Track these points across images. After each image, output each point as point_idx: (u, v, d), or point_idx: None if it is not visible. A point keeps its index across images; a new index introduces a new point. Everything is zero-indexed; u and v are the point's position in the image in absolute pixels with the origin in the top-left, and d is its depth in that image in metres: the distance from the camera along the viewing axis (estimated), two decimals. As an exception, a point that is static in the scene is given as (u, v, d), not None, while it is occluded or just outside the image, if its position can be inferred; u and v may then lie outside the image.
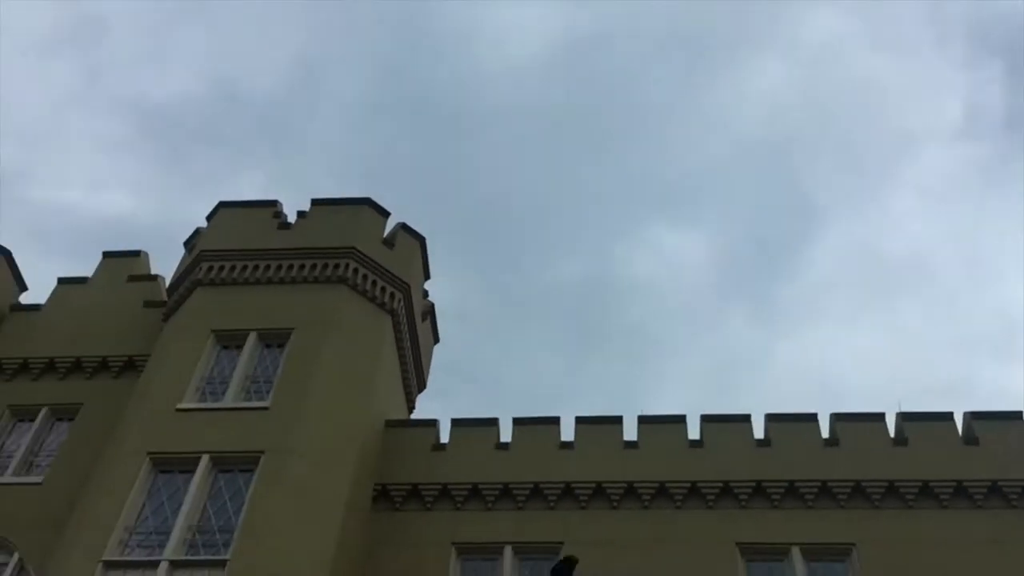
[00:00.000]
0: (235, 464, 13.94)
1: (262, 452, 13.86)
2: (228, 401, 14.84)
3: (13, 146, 54.31)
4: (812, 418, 16.44)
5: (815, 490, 15.43)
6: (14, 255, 19.26)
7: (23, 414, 16.92)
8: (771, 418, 16.50)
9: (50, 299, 18.83)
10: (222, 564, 12.60)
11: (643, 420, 16.71)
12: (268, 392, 15.01)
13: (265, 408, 14.57)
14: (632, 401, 53.77)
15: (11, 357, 17.53)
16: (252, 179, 55.84)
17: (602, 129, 57.04)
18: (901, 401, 17.80)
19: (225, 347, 15.92)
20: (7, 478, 15.66)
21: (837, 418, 16.36)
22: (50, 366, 17.44)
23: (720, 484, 15.64)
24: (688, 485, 15.67)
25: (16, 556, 14.38)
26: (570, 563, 13.04)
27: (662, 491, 15.70)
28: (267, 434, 14.12)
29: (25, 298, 19.32)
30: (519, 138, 56.63)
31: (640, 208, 56.19)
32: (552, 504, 15.66)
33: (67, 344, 17.63)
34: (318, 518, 13.54)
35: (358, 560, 14.54)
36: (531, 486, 15.79)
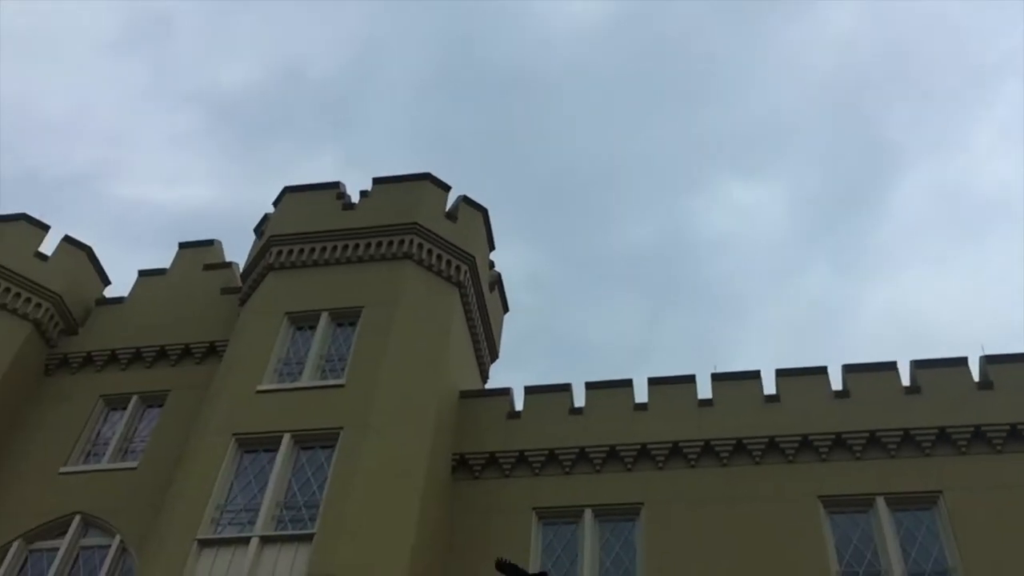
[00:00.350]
0: (316, 441, 14.32)
1: (340, 428, 14.19)
2: (305, 380, 15.21)
3: (93, 145, 56.20)
4: (891, 367, 16.10)
5: (898, 439, 15.13)
6: (99, 251, 20.02)
7: (115, 403, 17.65)
8: (849, 369, 16.21)
9: (132, 291, 19.52)
10: (309, 538, 12.98)
11: (717, 377, 16.60)
12: (343, 370, 15.34)
13: (341, 385, 14.90)
14: (714, 358, 53.22)
15: (100, 349, 18.26)
16: (322, 161, 56.75)
17: (668, 86, 56.22)
18: (985, 344, 17.21)
19: (299, 328, 16.32)
20: (104, 465, 16.38)
21: (918, 365, 15.98)
22: (137, 356, 18.12)
23: (799, 438, 15.45)
24: (766, 440, 15.53)
25: (117, 538, 15.07)
26: None
27: (740, 448, 15.59)
28: (344, 411, 14.45)
29: (109, 292, 20.09)
30: (584, 101, 56.15)
31: (712, 163, 55.32)
32: (629, 466, 15.71)
33: (151, 334, 18.29)
34: (399, 489, 13.83)
35: (440, 528, 14.83)
36: (607, 449, 15.85)
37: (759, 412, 15.93)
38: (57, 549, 15.20)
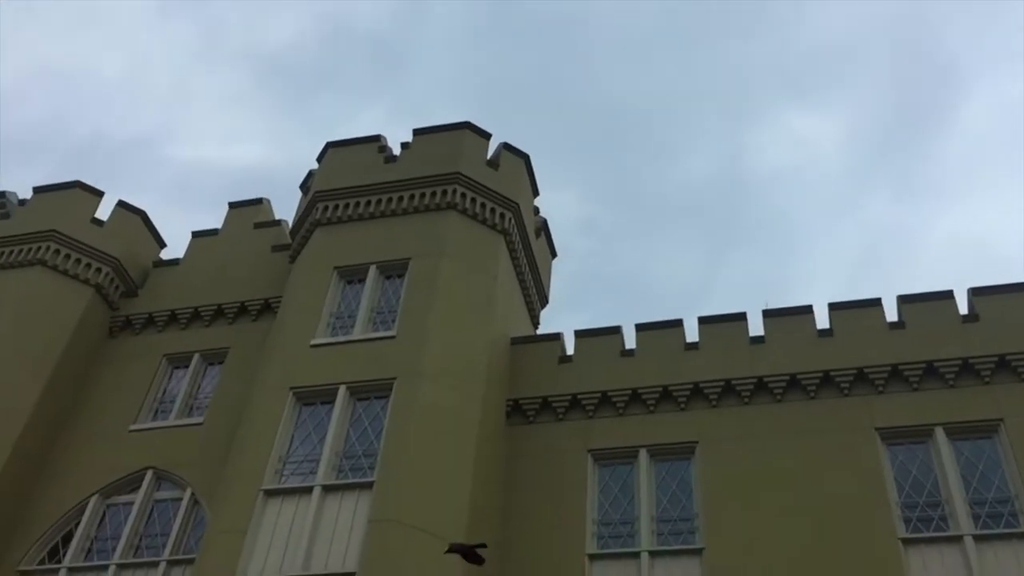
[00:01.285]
0: (370, 392, 14.60)
1: (394, 379, 14.44)
2: (357, 333, 15.47)
3: (149, 108, 56.98)
4: (948, 295, 15.80)
5: (956, 368, 14.90)
6: (160, 212, 20.49)
7: (178, 362, 18.18)
8: (904, 299, 15.95)
9: (187, 253, 19.95)
10: (369, 486, 13.32)
11: (769, 314, 16.47)
12: (393, 322, 15.55)
13: (392, 337, 15.12)
14: (775, 295, 52.64)
15: (160, 310, 18.76)
16: (372, 114, 56.82)
17: (721, 15, 54.86)
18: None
19: (349, 282, 16.55)
20: (171, 421, 16.93)
21: (976, 293, 15.66)
22: (195, 315, 18.58)
23: (854, 371, 15.31)
24: (820, 375, 15.41)
25: (188, 491, 15.62)
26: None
27: (794, 383, 15.51)
28: (396, 361, 14.69)
29: (165, 254, 20.56)
30: (635, 37, 55.16)
31: (769, 94, 54.13)
32: (683, 405, 15.74)
33: (208, 293, 18.72)
34: (454, 435, 14.08)
35: (497, 472, 15.09)
36: (660, 389, 15.90)
37: (812, 347, 15.80)
38: (132, 503, 15.83)
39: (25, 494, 16.00)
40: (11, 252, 18.67)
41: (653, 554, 14.13)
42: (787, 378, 15.51)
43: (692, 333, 16.65)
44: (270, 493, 13.59)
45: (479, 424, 14.48)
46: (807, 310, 16.29)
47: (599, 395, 16.08)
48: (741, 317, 16.50)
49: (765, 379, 15.58)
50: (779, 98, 54.17)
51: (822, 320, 16.16)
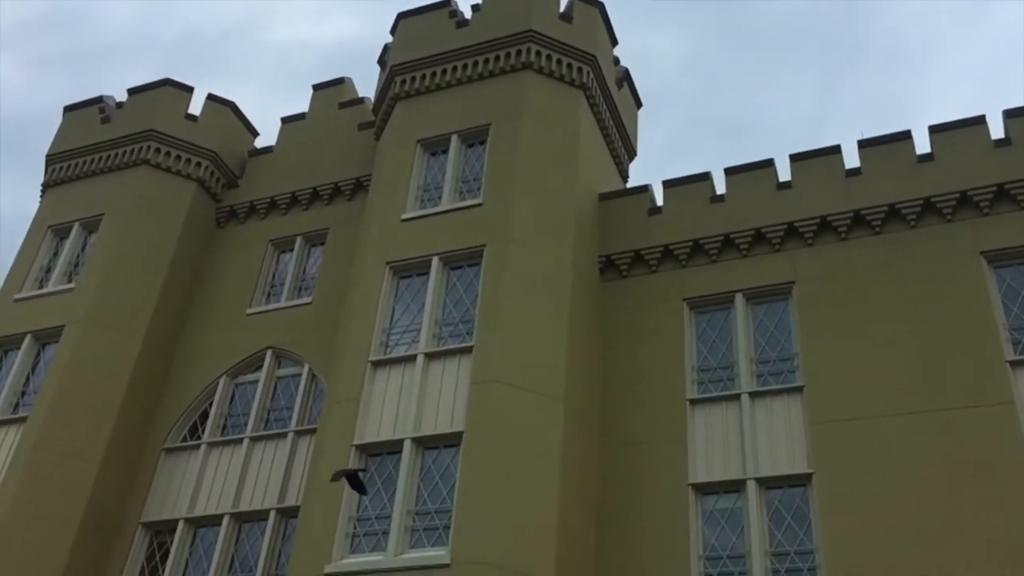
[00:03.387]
0: (462, 260, 14.96)
1: (483, 245, 14.73)
2: (444, 204, 15.72)
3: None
4: (1059, 107, 14.81)
5: (1068, 183, 14.14)
6: (262, 99, 20.95)
7: (283, 246, 18.96)
8: (1010, 114, 15.06)
9: (279, 139, 20.42)
10: (469, 350, 13.85)
11: (864, 144, 15.84)
12: (479, 189, 15.71)
13: (479, 204, 15.32)
14: (896, 121, 49.95)
15: (260, 198, 19.45)
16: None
17: None
18: None
19: (432, 154, 16.71)
20: (283, 303, 17.82)
21: (1090, 100, 14.62)
22: (294, 200, 19.20)
23: (957, 194, 14.72)
24: (921, 202, 14.89)
25: (306, 366, 16.60)
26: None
27: (893, 213, 15.05)
28: (484, 228, 14.93)
29: (259, 142, 21.12)
30: None
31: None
32: (777, 247, 15.53)
33: (302, 177, 19.25)
34: (547, 295, 14.38)
35: (593, 328, 15.40)
36: (753, 232, 15.69)
37: (912, 174, 15.20)
38: (257, 381, 16.96)
39: (160, 380, 17.33)
40: (116, 155, 19.53)
41: (754, 395, 14.33)
42: (886, 209, 15.05)
43: (784, 172, 16.24)
44: (377, 364, 14.31)
45: (571, 282, 14.70)
46: (905, 135, 15.60)
47: (691, 243, 16.01)
48: (835, 150, 15.95)
49: (862, 212, 15.16)
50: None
51: (922, 144, 15.48)
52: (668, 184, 16.79)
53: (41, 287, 18.30)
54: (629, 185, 18.99)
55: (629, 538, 13.56)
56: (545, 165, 15.69)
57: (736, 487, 13.66)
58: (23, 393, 16.89)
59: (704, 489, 13.80)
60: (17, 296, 18.18)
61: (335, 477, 12.13)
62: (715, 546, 13.32)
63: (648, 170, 61.17)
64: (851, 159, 15.84)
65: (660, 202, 16.81)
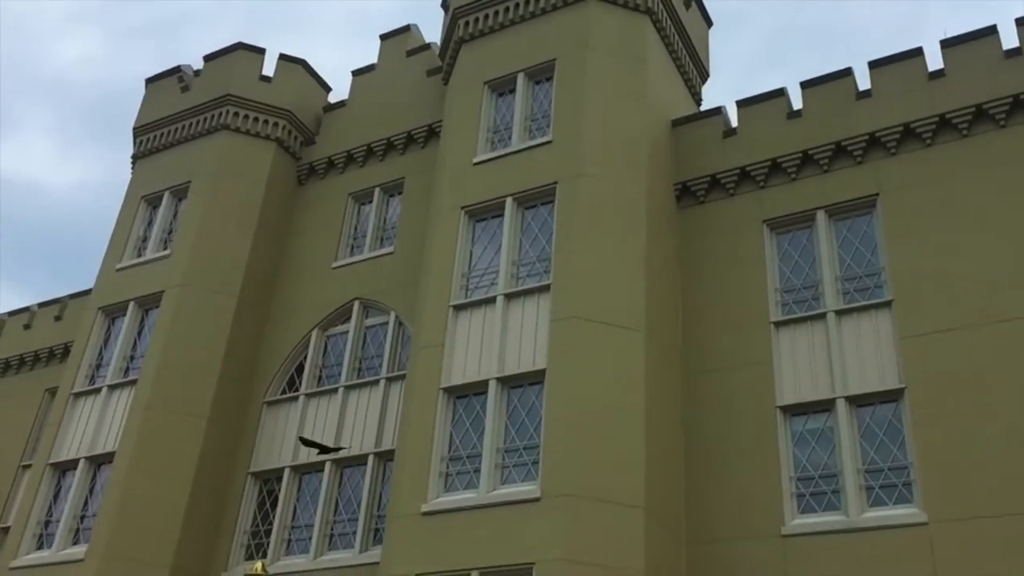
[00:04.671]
0: (535, 199, 14.99)
1: (555, 183, 14.70)
2: (515, 144, 15.71)
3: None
4: None
5: None
6: (333, 54, 21.19)
7: (362, 198, 19.30)
8: (1107, -2, 14.10)
9: (351, 92, 20.66)
10: (547, 288, 13.95)
11: (947, 44, 15.10)
12: (548, 126, 15.63)
13: (548, 142, 15.25)
14: (986, 14, 46.98)
15: (337, 152, 19.80)
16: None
17: None
18: None
19: (500, 94, 16.66)
20: (366, 255, 18.21)
21: None
22: (369, 152, 19.47)
23: (1050, 90, 13.95)
24: (1010, 100, 14.18)
25: (392, 314, 17.01)
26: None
27: (980, 114, 14.37)
28: (555, 165, 14.89)
29: (332, 97, 21.39)
30: None
31: None
32: (859, 159, 15.04)
33: (376, 129, 19.47)
34: (622, 228, 14.31)
35: (671, 258, 15.29)
36: (833, 146, 15.22)
37: (999, 71, 14.44)
38: (347, 332, 17.48)
39: (256, 337, 18.03)
40: (197, 122, 20.11)
41: (840, 313, 14.06)
42: (972, 110, 14.38)
43: (864, 80, 15.65)
44: (459, 308, 14.56)
45: (646, 213, 14.58)
46: (990, 31, 14.80)
47: (769, 163, 15.64)
48: (916, 53, 15.26)
49: (948, 115, 14.52)
50: None
51: (1009, 39, 14.65)
52: (742, 104, 16.37)
53: (140, 255, 19.15)
54: (704, 107, 18.59)
55: (718, 463, 13.61)
56: (613, 96, 15.48)
57: (826, 407, 13.51)
58: (132, 357, 17.83)
59: (792, 411, 13.69)
60: (119, 266, 19.08)
61: (308, 443, 13.78)
62: (806, 466, 13.26)
63: (732, 87, 59.47)
64: (934, 61, 15.15)
65: (735, 123, 16.43)
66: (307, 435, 16.35)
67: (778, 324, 14.41)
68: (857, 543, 12.25)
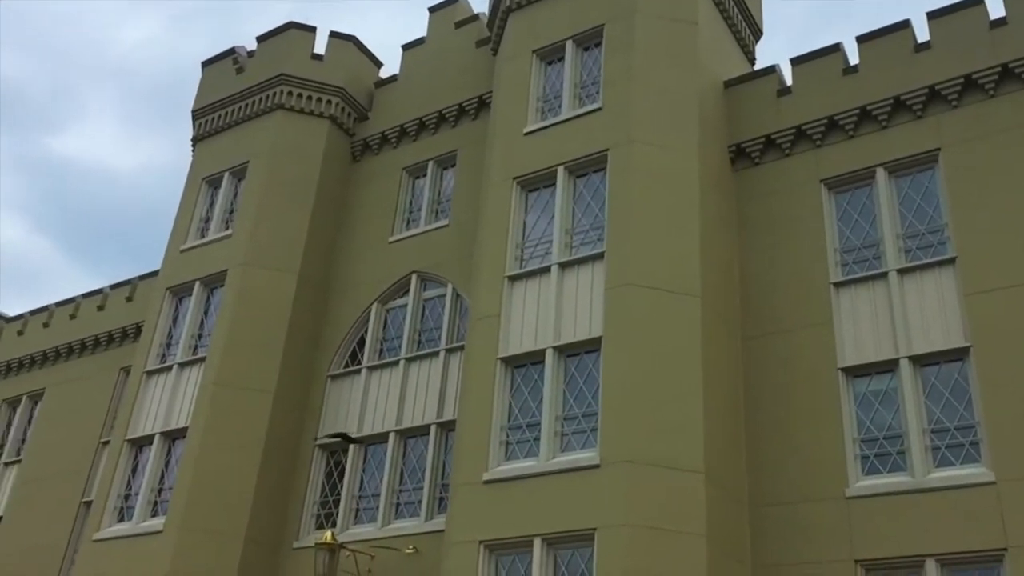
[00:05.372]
0: (587, 167, 14.95)
1: (607, 150, 14.64)
2: (565, 112, 15.65)
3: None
4: None
5: None
6: (385, 27, 21.29)
7: (416, 172, 19.45)
8: None
9: (401, 67, 20.75)
10: (601, 256, 13.96)
11: (1009, -10, 14.58)
12: (598, 93, 15.53)
13: (599, 109, 15.17)
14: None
15: (390, 127, 19.95)
16: None
17: None
18: None
19: (548, 63, 16.58)
20: (422, 228, 18.39)
21: None
22: (422, 125, 19.58)
23: (1121, 33, 13.40)
24: (1078, 46, 13.67)
25: (449, 286, 17.19)
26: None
27: (1046, 62, 13.90)
28: (607, 131, 14.81)
29: (383, 72, 21.51)
30: None
31: None
32: (919, 113, 14.67)
33: (427, 102, 19.57)
34: (675, 192, 14.21)
35: (727, 220, 15.14)
36: (891, 101, 14.86)
37: (1066, 16, 13.92)
38: (406, 305, 17.72)
39: (318, 313, 18.39)
40: (252, 103, 20.43)
41: (902, 271, 13.81)
42: (1037, 58, 13.90)
43: (922, 33, 15.23)
44: (514, 278, 14.65)
45: (699, 176, 14.45)
46: (1056, -26, 14.25)
47: (825, 121, 15.35)
48: (977, 2, 14.77)
49: (1011, 65, 14.06)
50: None
51: (1077, -18, 14.09)
52: (796, 61, 16.05)
53: (203, 236, 19.61)
54: (758, 67, 18.25)
55: (779, 427, 13.54)
56: (663, 60, 15.31)
57: (889, 367, 13.32)
58: (199, 336, 18.34)
59: (855, 372, 13.53)
60: (183, 247, 19.57)
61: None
62: (870, 427, 13.12)
63: (787, 46, 58.17)
64: (995, 9, 14.65)
65: (789, 82, 16.14)
66: (371, 407, 16.70)
67: (838, 285, 14.21)
68: (923, 504, 12.13)
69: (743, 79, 16.54)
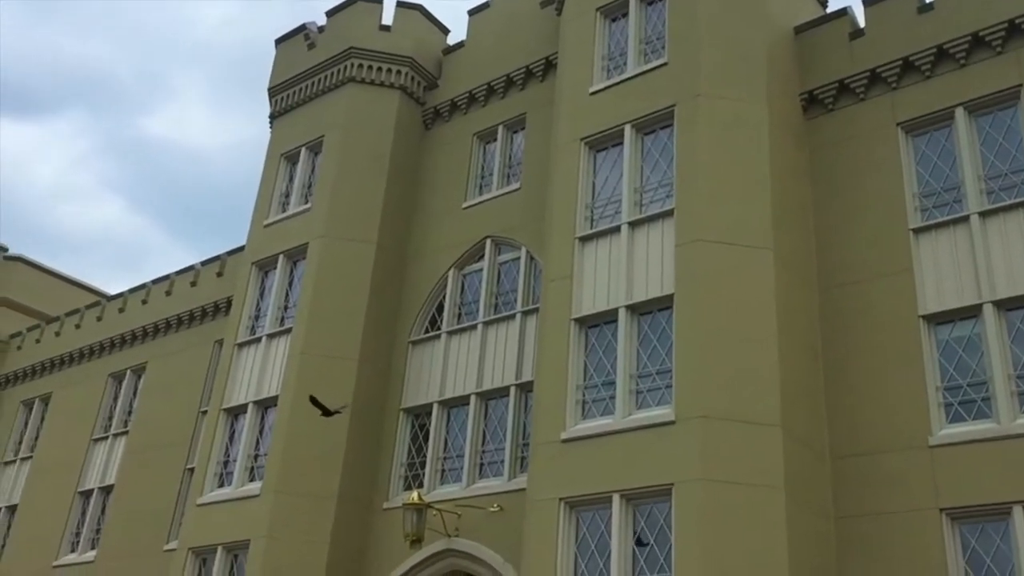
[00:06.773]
0: (655, 124, 14.86)
1: (673, 105, 14.53)
2: (630, 70, 15.55)
3: None
4: None
5: None
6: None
7: (486, 137, 19.61)
8: None
9: (468, 32, 20.84)
10: (670, 213, 13.92)
11: (1097, -89, 13.83)
12: (663, 48, 15.37)
13: (664, 64, 15.03)
14: None
15: (459, 94, 20.11)
16: None
17: None
18: None
19: (612, 20, 16.44)
20: (494, 192, 18.58)
21: None
22: (490, 90, 19.69)
23: None
24: None
25: (523, 249, 17.38)
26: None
27: None
28: (673, 87, 14.68)
29: (451, 39, 21.64)
30: None
31: None
32: (999, 49, 14.11)
33: (494, 67, 19.65)
34: (745, 144, 14.04)
35: (800, 172, 14.89)
36: (969, 38, 14.33)
37: None
38: (481, 269, 18.00)
39: (397, 280, 18.83)
40: (325, 77, 20.83)
41: (984, 214, 13.41)
42: None
43: (1003, -38, 14.56)
44: (584, 239, 14.74)
45: (768, 126, 14.23)
46: None
47: (900, 62, 14.89)
48: (1059, -73, 14.06)
49: (1098, -8, 13.41)
50: None
51: None
52: (868, 2, 15.59)
53: (284, 210, 20.21)
54: (829, 10, 17.74)
55: (860, 377, 13.39)
56: (729, 10, 15.04)
57: (972, 313, 13.01)
58: (285, 307, 18.99)
59: (937, 319, 13.26)
60: (266, 221, 20.22)
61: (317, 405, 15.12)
62: (953, 375, 12.88)
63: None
64: (1082, -68, 13.92)
65: (862, 24, 15.68)
66: (451, 371, 17.11)
67: (917, 231, 13.89)
68: (1010, 450, 11.89)
69: (814, 23, 16.14)
